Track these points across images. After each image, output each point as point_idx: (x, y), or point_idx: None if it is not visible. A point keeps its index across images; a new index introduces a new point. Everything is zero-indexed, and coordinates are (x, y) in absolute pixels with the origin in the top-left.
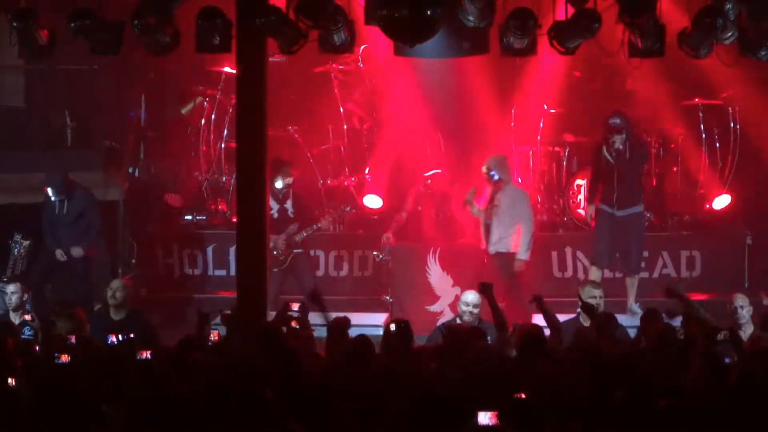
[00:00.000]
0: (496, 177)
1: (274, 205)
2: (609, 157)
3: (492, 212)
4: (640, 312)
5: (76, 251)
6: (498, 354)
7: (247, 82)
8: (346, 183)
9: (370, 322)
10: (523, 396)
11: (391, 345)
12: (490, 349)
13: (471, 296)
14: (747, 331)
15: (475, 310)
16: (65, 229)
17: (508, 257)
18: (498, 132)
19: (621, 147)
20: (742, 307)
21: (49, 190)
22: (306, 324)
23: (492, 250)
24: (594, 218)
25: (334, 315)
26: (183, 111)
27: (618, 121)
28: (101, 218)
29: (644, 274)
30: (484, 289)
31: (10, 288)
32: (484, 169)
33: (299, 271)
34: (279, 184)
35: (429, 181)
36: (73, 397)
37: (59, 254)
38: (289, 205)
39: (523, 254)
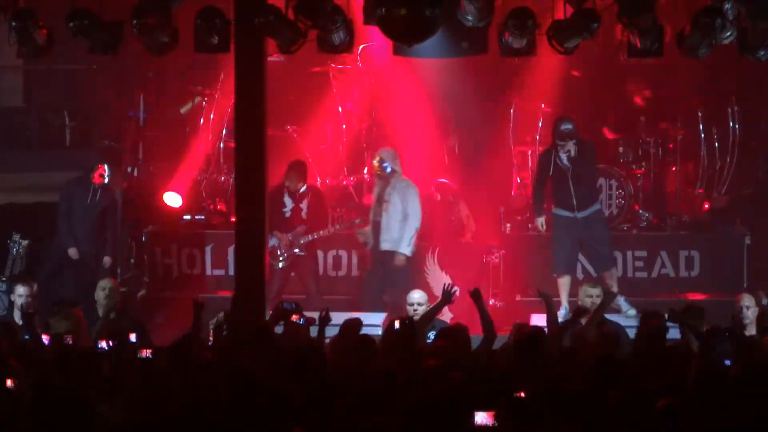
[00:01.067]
0: (389, 169)
1: (288, 203)
2: (562, 162)
3: (382, 208)
4: (627, 307)
5: (106, 260)
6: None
7: (246, 82)
8: (344, 183)
9: (368, 322)
10: (523, 395)
11: (394, 344)
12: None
13: (417, 295)
14: (750, 332)
15: (420, 309)
16: (84, 224)
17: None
18: (496, 132)
19: (573, 152)
20: (747, 307)
21: (106, 168)
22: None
23: (383, 247)
24: (549, 226)
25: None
26: (182, 111)
27: (570, 126)
28: (120, 223)
29: (642, 274)
30: (476, 296)
31: (20, 290)
32: (375, 161)
33: (303, 273)
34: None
35: (438, 195)
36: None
37: (73, 253)
38: (304, 205)
39: (405, 248)
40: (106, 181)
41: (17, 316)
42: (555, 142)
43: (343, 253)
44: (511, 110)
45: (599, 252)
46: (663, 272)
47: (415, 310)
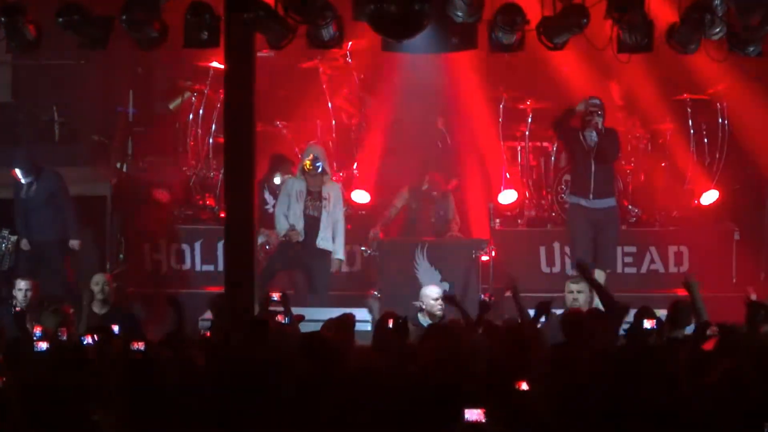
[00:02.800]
0: (321, 168)
1: (270, 200)
2: (586, 142)
3: (322, 205)
4: None
5: (74, 243)
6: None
7: (235, 78)
8: (333, 178)
9: (359, 318)
10: (524, 386)
11: (386, 342)
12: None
13: (435, 289)
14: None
15: (440, 304)
16: (35, 215)
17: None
18: (486, 127)
19: (602, 128)
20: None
21: (18, 172)
22: (292, 319)
23: (320, 245)
24: (568, 215)
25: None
26: (171, 106)
27: (598, 101)
28: (73, 203)
29: (631, 270)
30: (450, 299)
31: (21, 284)
32: (308, 159)
33: (304, 269)
34: (278, 180)
35: (426, 185)
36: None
37: (24, 244)
38: None
39: (341, 253)
40: (23, 179)
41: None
42: (583, 120)
43: (356, 249)
44: (501, 105)
45: (605, 250)
46: (652, 268)
47: (440, 306)
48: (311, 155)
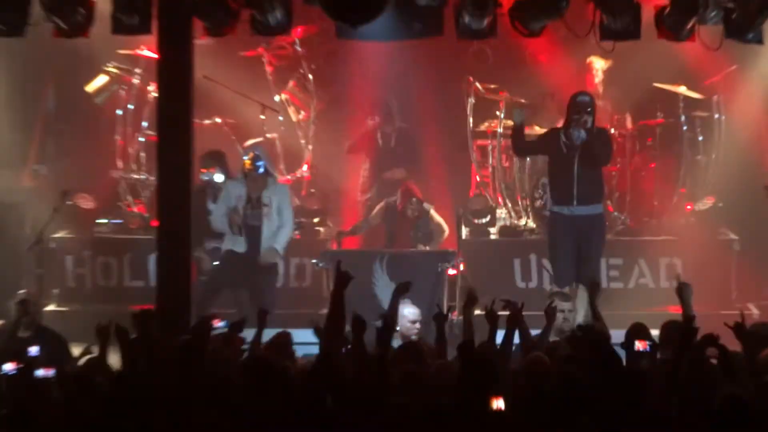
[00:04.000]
0: (262, 169)
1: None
2: (571, 141)
3: (262, 213)
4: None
5: None
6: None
7: (170, 68)
8: (280, 181)
9: (310, 340)
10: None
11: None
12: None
13: (414, 310)
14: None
15: (417, 327)
16: None
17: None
18: (452, 124)
19: (590, 123)
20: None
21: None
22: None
23: (262, 260)
24: (549, 226)
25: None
26: (97, 100)
27: (587, 98)
28: None
29: (618, 284)
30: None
31: None
32: (247, 158)
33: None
34: (220, 178)
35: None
36: None
37: None
38: None
39: (279, 246)
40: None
41: None
42: (570, 118)
43: (306, 262)
44: (470, 99)
45: (586, 267)
46: (641, 282)
47: (415, 331)
48: (251, 154)
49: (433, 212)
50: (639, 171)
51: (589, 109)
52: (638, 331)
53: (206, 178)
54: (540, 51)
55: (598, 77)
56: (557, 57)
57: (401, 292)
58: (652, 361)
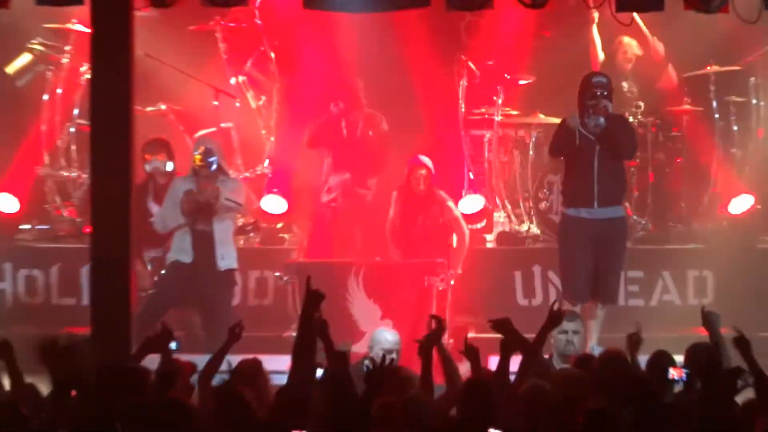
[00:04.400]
0: (216, 165)
1: (155, 208)
2: (587, 130)
3: (214, 215)
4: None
5: None
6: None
7: (106, 45)
8: (239, 179)
9: (271, 367)
10: None
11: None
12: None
13: (392, 337)
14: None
15: (394, 356)
16: None
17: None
18: (442, 111)
19: (610, 108)
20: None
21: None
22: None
23: (222, 265)
24: (561, 231)
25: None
26: (19, 83)
27: (604, 79)
28: None
29: (638, 302)
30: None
31: None
32: (198, 153)
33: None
34: (170, 166)
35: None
36: None
37: None
38: None
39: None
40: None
41: None
42: (584, 104)
43: (268, 275)
44: (462, 81)
45: (607, 276)
46: (665, 299)
47: (390, 357)
48: (202, 148)
49: (451, 204)
50: (662, 167)
51: (606, 92)
52: (662, 360)
53: (153, 166)
54: (544, 25)
55: (628, 61)
56: (565, 33)
57: (313, 303)
58: (687, 394)
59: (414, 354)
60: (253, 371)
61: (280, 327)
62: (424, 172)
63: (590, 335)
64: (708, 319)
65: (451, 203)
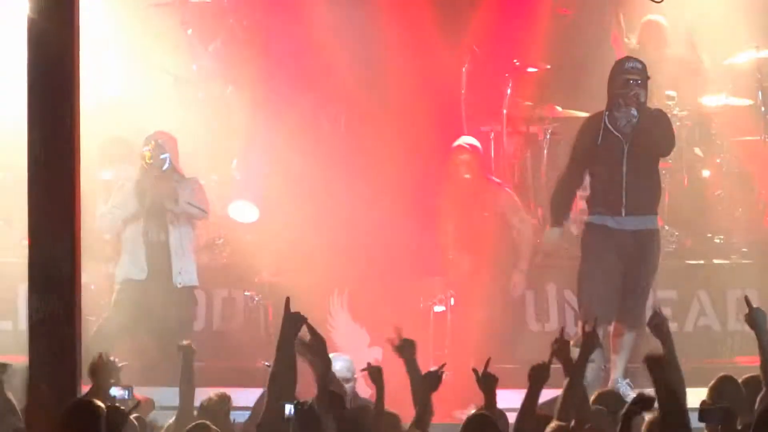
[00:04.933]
0: (169, 163)
1: None
2: (617, 128)
3: (167, 221)
4: (631, 393)
5: None
6: None
7: (46, 24)
8: (202, 182)
9: (240, 403)
10: None
11: None
12: None
13: (344, 363)
14: None
15: (349, 386)
16: None
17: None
18: (442, 102)
19: (643, 97)
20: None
21: None
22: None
23: (179, 281)
24: (584, 241)
25: None
26: None
27: (639, 65)
28: None
29: (670, 326)
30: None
31: None
32: (147, 149)
33: None
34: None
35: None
36: None
37: None
38: None
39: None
40: None
41: None
42: (614, 94)
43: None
44: (464, 69)
45: (632, 303)
46: (702, 324)
47: (349, 386)
48: (152, 143)
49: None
50: (699, 169)
51: (640, 80)
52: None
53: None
54: (562, 1)
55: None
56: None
57: (292, 327)
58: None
59: (405, 386)
60: (220, 408)
61: (251, 356)
62: (466, 157)
63: (614, 366)
64: (754, 317)
65: (507, 189)
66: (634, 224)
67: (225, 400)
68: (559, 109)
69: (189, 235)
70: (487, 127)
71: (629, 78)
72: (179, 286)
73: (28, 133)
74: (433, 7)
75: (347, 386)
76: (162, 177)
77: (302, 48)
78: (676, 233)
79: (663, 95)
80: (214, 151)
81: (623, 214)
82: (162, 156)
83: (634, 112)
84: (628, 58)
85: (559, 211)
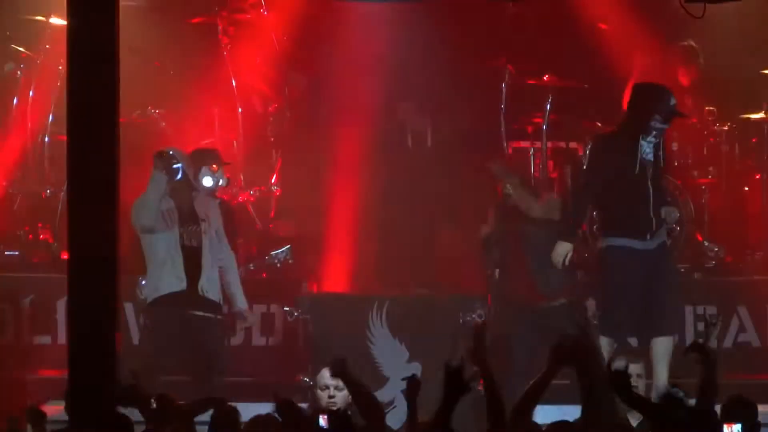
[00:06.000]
0: (182, 174)
1: None
2: (644, 157)
3: (201, 229)
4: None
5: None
6: None
7: (86, 40)
8: (241, 198)
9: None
10: None
11: None
12: None
13: (325, 372)
14: None
15: (339, 396)
16: None
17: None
18: (480, 118)
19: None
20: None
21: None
22: None
23: (206, 292)
24: (603, 263)
25: None
26: None
27: (675, 102)
28: None
29: (709, 343)
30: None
31: None
32: (157, 159)
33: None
34: (208, 181)
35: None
36: None
37: None
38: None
39: (243, 300)
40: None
41: None
42: (646, 123)
43: (276, 309)
44: (503, 84)
45: (659, 306)
46: (742, 340)
47: (331, 398)
48: (165, 153)
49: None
50: (739, 184)
51: (673, 118)
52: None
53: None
54: (602, 16)
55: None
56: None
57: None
58: None
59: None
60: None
61: (289, 371)
62: (498, 168)
63: (659, 373)
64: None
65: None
66: (656, 241)
67: (233, 413)
68: (599, 125)
69: (218, 246)
70: (525, 142)
71: (672, 115)
72: (205, 297)
73: (68, 143)
74: (474, 26)
75: (340, 394)
76: (181, 187)
77: (344, 65)
78: (716, 249)
79: (703, 111)
80: (252, 166)
81: (648, 237)
82: (174, 166)
83: (648, 146)
84: (671, 94)
85: (575, 225)
